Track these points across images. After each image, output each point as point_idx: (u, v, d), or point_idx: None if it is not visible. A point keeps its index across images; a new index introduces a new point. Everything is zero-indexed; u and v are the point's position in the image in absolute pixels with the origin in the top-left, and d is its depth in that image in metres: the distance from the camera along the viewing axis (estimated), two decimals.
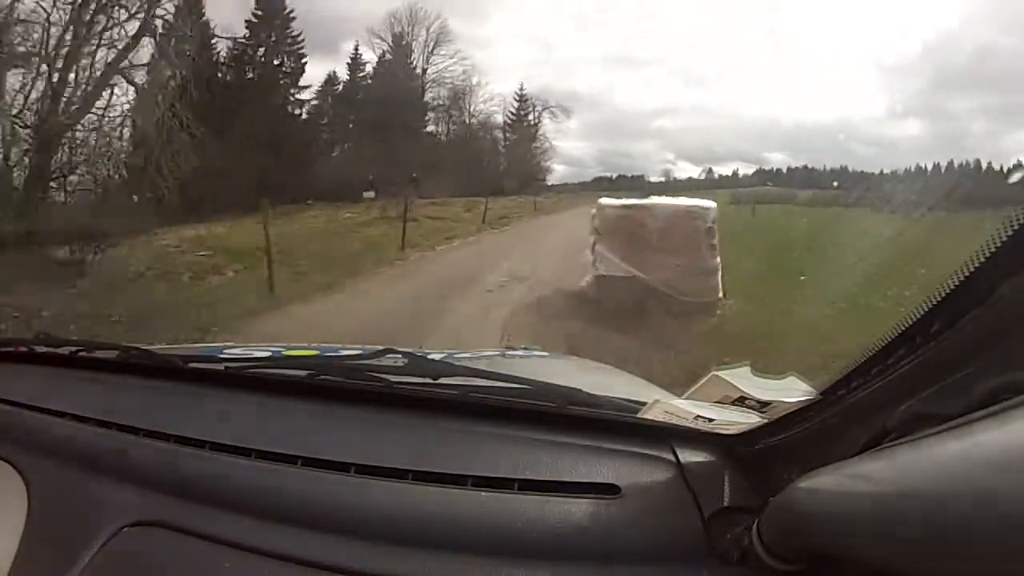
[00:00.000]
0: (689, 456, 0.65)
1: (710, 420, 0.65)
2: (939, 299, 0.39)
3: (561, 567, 0.58)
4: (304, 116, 14.59)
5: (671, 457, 0.65)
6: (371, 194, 13.36)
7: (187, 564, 0.63)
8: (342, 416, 0.79)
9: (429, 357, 0.92)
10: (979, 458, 0.32)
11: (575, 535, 0.60)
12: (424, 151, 14.47)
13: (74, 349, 1.02)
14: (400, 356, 0.86)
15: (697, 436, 0.65)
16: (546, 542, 0.59)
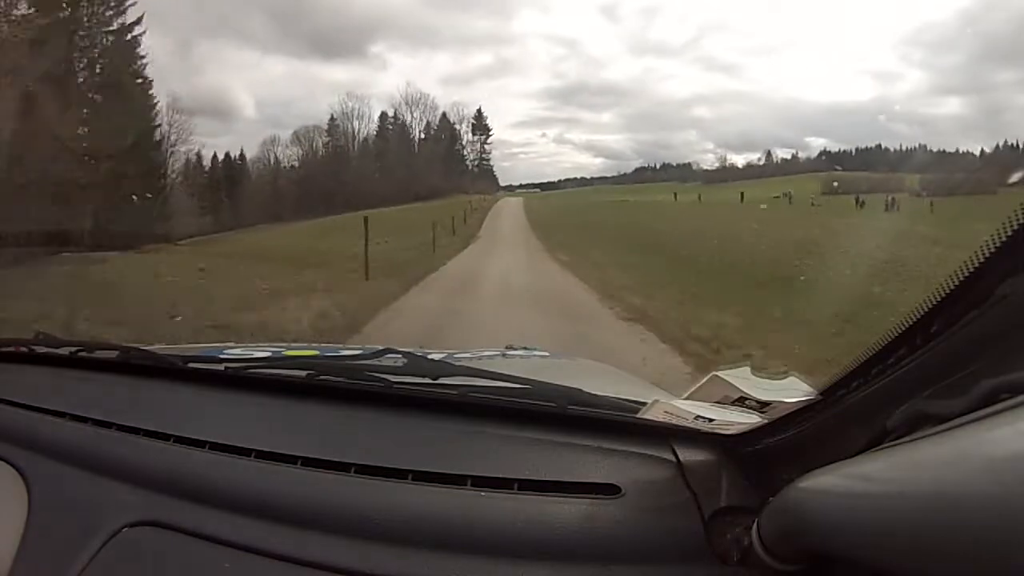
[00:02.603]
0: (689, 456, 0.65)
1: (710, 420, 0.65)
2: (939, 299, 0.39)
3: (561, 567, 0.58)
4: None
5: (671, 457, 0.65)
6: None
7: (187, 564, 0.63)
8: (342, 416, 0.79)
9: (429, 357, 0.92)
10: (979, 458, 0.32)
11: (575, 535, 0.59)
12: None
13: (74, 349, 1.02)
14: (400, 356, 0.86)
15: (697, 436, 0.65)
16: (546, 542, 0.59)
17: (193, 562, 0.63)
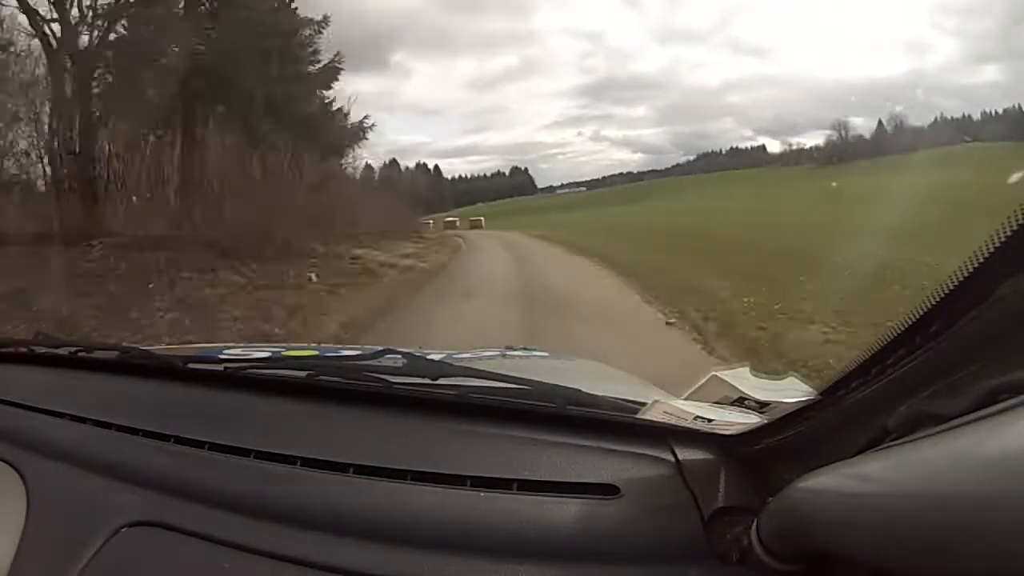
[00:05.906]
0: (688, 456, 0.65)
1: (709, 420, 0.65)
2: (939, 299, 0.39)
3: (560, 567, 0.58)
4: None
5: (670, 457, 0.65)
6: None
7: (187, 564, 0.63)
8: (341, 416, 0.79)
9: (428, 357, 0.92)
10: (979, 458, 0.32)
11: (574, 535, 0.60)
12: None
13: (74, 349, 1.02)
14: (399, 356, 0.86)
15: (696, 436, 0.65)
16: (545, 542, 0.59)
17: (193, 562, 0.63)
